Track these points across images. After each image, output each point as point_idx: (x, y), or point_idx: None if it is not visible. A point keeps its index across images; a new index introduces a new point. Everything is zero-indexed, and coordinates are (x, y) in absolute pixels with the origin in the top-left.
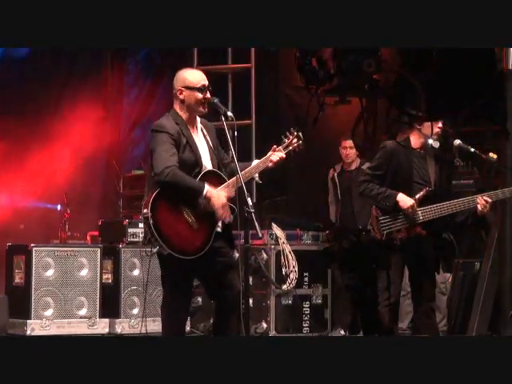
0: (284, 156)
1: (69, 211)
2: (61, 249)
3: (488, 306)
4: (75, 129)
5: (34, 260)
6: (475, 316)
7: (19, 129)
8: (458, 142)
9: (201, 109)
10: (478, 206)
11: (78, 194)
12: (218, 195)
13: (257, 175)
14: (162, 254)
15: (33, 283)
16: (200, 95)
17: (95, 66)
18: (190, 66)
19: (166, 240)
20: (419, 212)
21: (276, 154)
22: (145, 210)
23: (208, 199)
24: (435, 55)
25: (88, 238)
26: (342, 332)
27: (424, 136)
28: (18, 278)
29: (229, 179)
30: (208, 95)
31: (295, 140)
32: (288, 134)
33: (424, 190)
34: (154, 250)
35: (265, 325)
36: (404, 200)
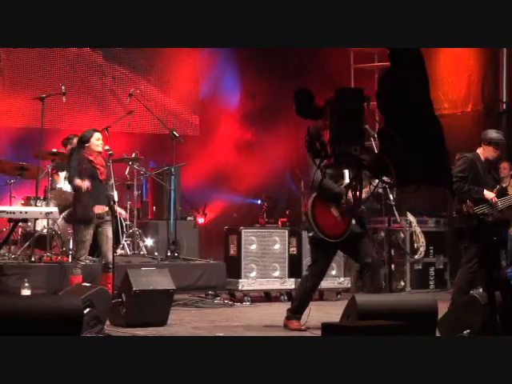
0: None
1: (266, 205)
2: (261, 230)
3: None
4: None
5: (242, 238)
6: None
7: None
8: None
9: None
10: None
11: (272, 193)
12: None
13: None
14: (314, 238)
15: (242, 254)
16: None
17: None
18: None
19: (320, 228)
20: (499, 202)
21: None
22: (307, 207)
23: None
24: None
25: (279, 223)
26: None
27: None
28: (232, 251)
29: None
30: None
31: None
32: None
33: (497, 188)
34: (310, 234)
35: (403, 283)
36: (488, 193)
